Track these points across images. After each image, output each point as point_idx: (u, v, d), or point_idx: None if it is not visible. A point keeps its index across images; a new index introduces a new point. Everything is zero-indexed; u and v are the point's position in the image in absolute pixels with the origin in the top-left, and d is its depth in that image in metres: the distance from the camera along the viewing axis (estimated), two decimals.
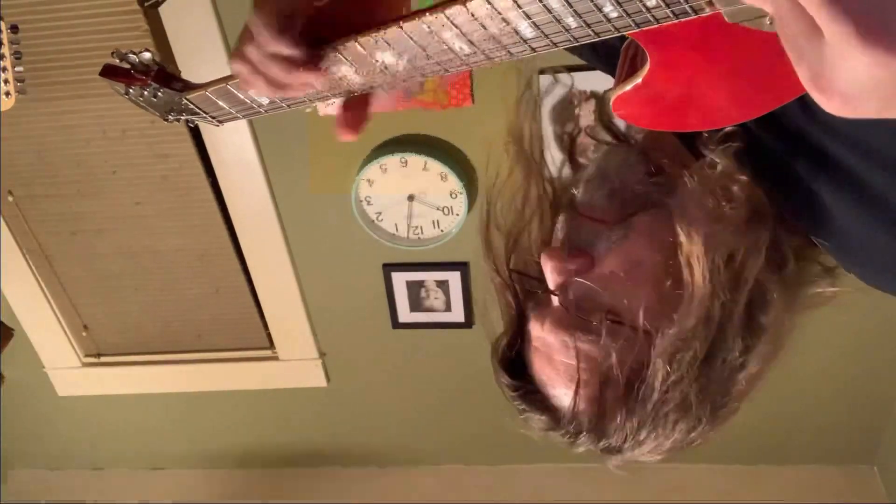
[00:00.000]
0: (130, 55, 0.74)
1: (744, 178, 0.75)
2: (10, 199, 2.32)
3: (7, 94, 1.58)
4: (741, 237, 0.73)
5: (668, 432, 0.78)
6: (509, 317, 0.88)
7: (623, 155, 0.83)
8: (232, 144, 2.11)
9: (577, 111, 0.90)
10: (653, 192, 0.78)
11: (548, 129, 0.92)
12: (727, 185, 0.74)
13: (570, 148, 0.92)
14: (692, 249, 0.72)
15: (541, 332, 0.81)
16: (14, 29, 1.55)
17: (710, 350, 0.74)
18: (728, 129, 0.73)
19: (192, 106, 0.78)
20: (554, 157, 0.92)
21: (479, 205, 2.13)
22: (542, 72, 1.54)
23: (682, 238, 0.73)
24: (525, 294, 0.87)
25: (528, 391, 0.85)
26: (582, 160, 0.91)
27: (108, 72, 0.77)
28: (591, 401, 0.79)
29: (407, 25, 0.59)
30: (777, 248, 0.77)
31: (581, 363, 0.77)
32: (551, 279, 0.80)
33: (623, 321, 0.76)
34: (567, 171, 0.91)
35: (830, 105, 0.44)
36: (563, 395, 0.81)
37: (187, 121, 0.82)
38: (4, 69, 1.56)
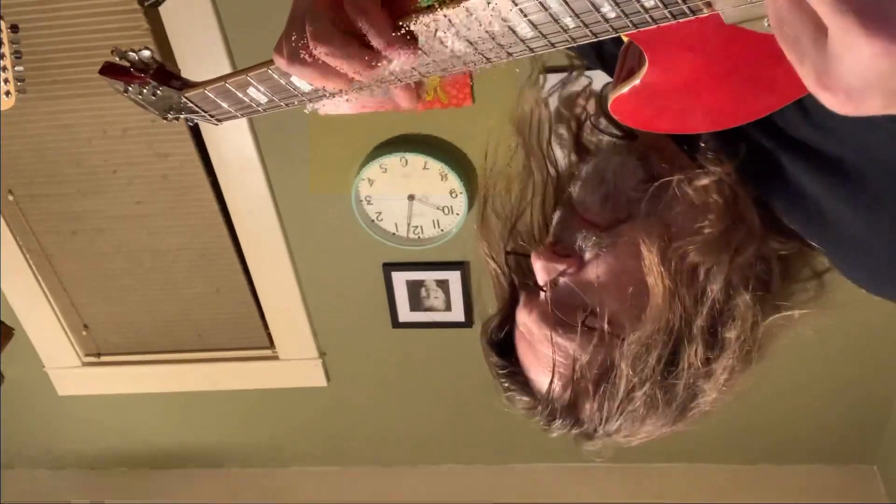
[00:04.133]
0: (130, 53, 0.74)
1: (718, 197, 0.76)
2: (11, 198, 2.32)
3: (7, 93, 1.58)
4: (707, 254, 0.75)
5: (637, 426, 0.83)
6: (502, 299, 0.92)
7: (622, 159, 0.84)
8: (232, 144, 2.11)
9: (579, 110, 0.91)
10: (645, 200, 0.79)
11: (557, 115, 0.93)
12: (702, 201, 0.77)
13: (577, 135, 0.93)
14: (651, 261, 0.75)
15: (527, 320, 0.85)
16: (14, 29, 1.55)
17: (672, 358, 0.78)
18: (726, 136, 0.73)
19: (190, 104, 0.78)
20: (562, 141, 0.93)
21: (479, 196, 2.13)
22: (548, 70, 1.54)
23: (643, 249, 0.76)
24: (519, 280, 0.90)
25: (513, 372, 0.89)
26: (589, 148, 0.92)
27: (108, 70, 0.77)
28: (564, 391, 0.83)
29: (404, 24, 0.58)
30: (764, 262, 0.79)
31: (557, 357, 0.82)
32: (540, 276, 0.83)
33: (598, 324, 0.80)
34: (572, 158, 0.93)
35: (835, 102, 0.44)
36: (541, 380, 0.86)
37: (186, 119, 0.82)
38: (4, 69, 1.56)
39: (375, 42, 0.59)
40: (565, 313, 0.81)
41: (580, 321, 0.80)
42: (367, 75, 0.62)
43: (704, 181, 0.77)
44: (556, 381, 0.83)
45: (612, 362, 0.79)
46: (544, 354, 0.83)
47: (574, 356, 0.81)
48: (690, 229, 0.76)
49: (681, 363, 0.78)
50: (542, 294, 0.83)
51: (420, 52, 0.60)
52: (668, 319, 0.75)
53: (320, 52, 0.60)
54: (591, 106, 0.92)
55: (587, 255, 0.81)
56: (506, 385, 0.90)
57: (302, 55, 0.62)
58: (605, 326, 0.79)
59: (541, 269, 0.82)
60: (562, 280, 0.82)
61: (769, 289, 0.80)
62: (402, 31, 0.59)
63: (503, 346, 0.91)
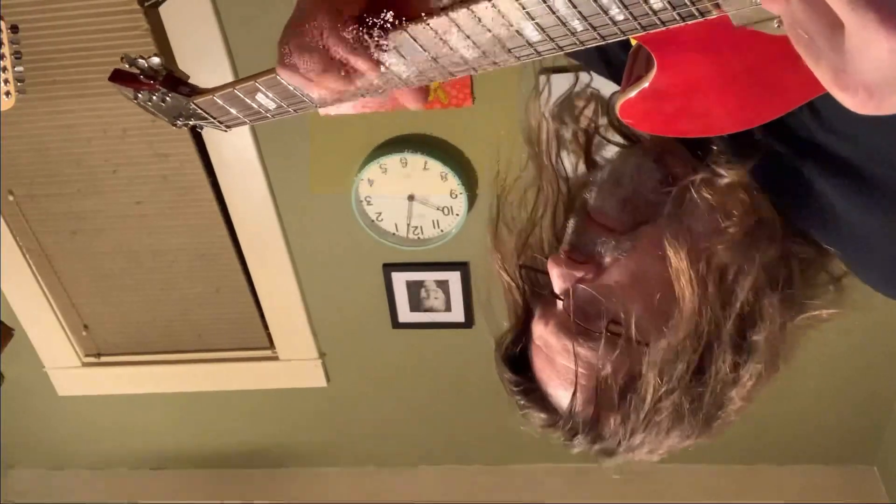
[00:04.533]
0: (139, 60, 0.74)
1: (745, 196, 0.75)
2: (11, 198, 2.32)
3: (7, 94, 1.57)
4: (735, 254, 0.74)
5: (661, 438, 0.80)
6: (515, 314, 0.90)
7: (638, 162, 0.83)
8: (232, 144, 2.11)
9: (585, 122, 0.91)
10: (663, 203, 0.78)
11: (564, 128, 0.93)
12: (726, 202, 0.75)
13: (586, 146, 0.92)
14: (679, 264, 0.73)
15: (544, 332, 0.82)
16: (14, 29, 1.54)
17: (700, 364, 0.76)
18: (737, 139, 0.73)
19: (199, 111, 0.77)
20: (570, 155, 0.92)
21: (480, 204, 2.13)
22: (556, 70, 1.53)
23: (670, 252, 0.73)
24: (532, 292, 0.88)
25: (530, 388, 0.87)
26: (597, 159, 0.91)
27: (117, 77, 0.77)
28: (587, 405, 0.81)
29: (412, 29, 0.58)
30: (785, 263, 0.77)
31: (579, 368, 0.79)
32: (557, 284, 0.81)
33: (621, 331, 0.77)
34: (581, 168, 0.92)
35: (855, 101, 0.44)
36: (561, 395, 0.83)
37: (195, 126, 0.82)
38: (4, 69, 1.56)
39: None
40: (585, 322, 0.79)
41: (604, 328, 0.77)
42: (353, 87, 0.63)
43: (726, 181, 0.75)
44: (578, 394, 0.80)
45: (638, 371, 0.77)
46: (564, 367, 0.81)
47: (597, 366, 0.79)
48: (716, 230, 0.75)
49: (709, 370, 0.76)
50: (560, 303, 0.81)
51: (429, 55, 0.60)
52: (697, 324, 0.74)
53: (302, 63, 0.61)
54: (600, 115, 0.91)
55: (606, 261, 0.79)
56: (522, 402, 0.87)
57: (290, 63, 0.63)
58: (633, 332, 0.76)
59: (558, 277, 0.80)
60: (580, 288, 0.79)
61: (793, 289, 0.78)
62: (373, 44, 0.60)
63: (518, 362, 0.88)
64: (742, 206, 0.75)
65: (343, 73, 0.63)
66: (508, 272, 0.89)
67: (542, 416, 0.85)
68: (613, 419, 0.80)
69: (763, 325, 0.75)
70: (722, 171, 0.76)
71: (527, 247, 0.90)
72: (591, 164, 0.91)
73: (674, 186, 0.78)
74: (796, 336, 0.80)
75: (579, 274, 0.79)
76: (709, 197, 0.75)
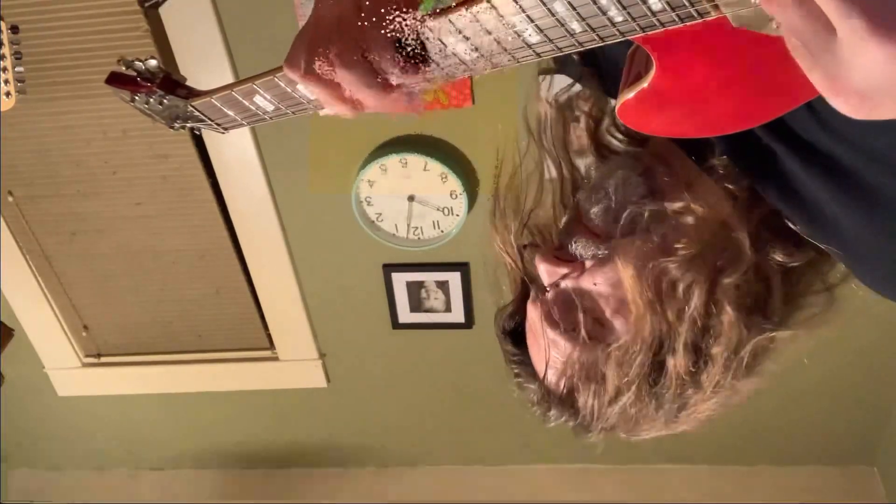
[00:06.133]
0: (136, 62, 0.74)
1: (701, 218, 0.79)
2: (10, 199, 2.32)
3: (7, 94, 1.57)
4: (686, 271, 0.78)
5: (631, 425, 0.88)
6: (515, 290, 0.97)
7: (624, 173, 0.86)
8: (232, 145, 2.11)
9: (596, 111, 0.92)
10: (644, 216, 0.82)
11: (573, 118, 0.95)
12: (679, 223, 0.80)
13: (594, 135, 0.95)
14: (628, 281, 0.79)
15: (533, 315, 0.89)
16: (14, 29, 1.55)
17: (657, 367, 0.82)
18: (736, 143, 0.74)
19: (197, 113, 0.77)
20: (577, 144, 0.95)
21: (480, 204, 2.13)
22: (558, 71, 1.54)
23: (620, 268, 0.79)
24: (530, 274, 0.93)
25: (523, 360, 0.94)
26: (604, 151, 0.94)
27: (114, 79, 0.77)
28: (559, 384, 0.88)
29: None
30: (762, 280, 0.81)
31: (553, 353, 0.87)
32: (543, 277, 0.87)
33: (583, 329, 0.84)
34: (587, 161, 0.95)
35: (848, 107, 0.44)
36: (541, 370, 0.90)
37: (192, 128, 0.82)
38: (4, 69, 1.56)
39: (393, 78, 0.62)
40: (563, 313, 0.85)
41: (566, 324, 0.84)
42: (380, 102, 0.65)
43: (684, 205, 0.80)
44: (549, 374, 0.88)
45: (599, 366, 0.84)
46: (544, 348, 0.88)
47: (567, 354, 0.85)
48: (668, 249, 0.79)
49: (667, 373, 0.82)
50: (545, 293, 0.87)
51: (427, 64, 0.60)
52: (649, 331, 0.79)
53: (341, 75, 0.62)
54: (605, 111, 0.94)
55: (587, 263, 0.84)
56: (516, 371, 0.95)
57: (322, 72, 0.63)
58: (584, 334, 0.83)
59: (543, 272, 0.86)
60: (563, 283, 0.85)
61: (766, 307, 0.82)
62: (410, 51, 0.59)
63: (517, 334, 0.95)
64: (694, 229, 0.79)
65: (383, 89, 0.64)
66: (510, 253, 0.94)
67: (532, 386, 0.92)
68: (583, 401, 0.87)
69: (720, 339, 0.80)
70: (690, 196, 0.80)
71: (529, 228, 0.95)
72: (600, 153, 0.94)
73: (656, 200, 0.82)
74: (758, 351, 0.83)
75: (562, 271, 0.85)
76: (672, 217, 0.80)
